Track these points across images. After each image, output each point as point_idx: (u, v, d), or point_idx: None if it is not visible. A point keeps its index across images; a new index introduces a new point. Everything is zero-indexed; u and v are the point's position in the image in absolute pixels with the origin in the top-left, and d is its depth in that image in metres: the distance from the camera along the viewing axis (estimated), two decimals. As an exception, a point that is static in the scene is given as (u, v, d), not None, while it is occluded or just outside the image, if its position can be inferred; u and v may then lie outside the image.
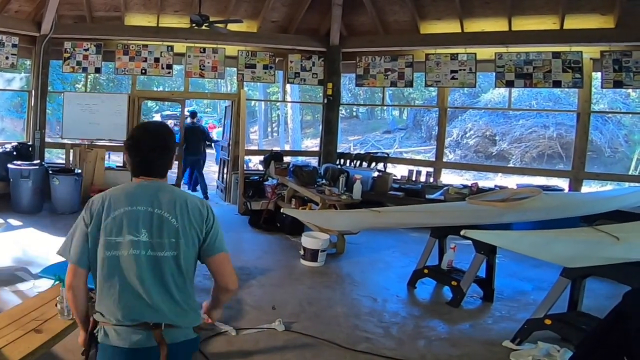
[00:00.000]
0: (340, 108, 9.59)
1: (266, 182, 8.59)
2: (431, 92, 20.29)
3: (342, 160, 9.39)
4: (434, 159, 9.54)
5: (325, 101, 9.24)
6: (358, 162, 9.31)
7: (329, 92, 9.14)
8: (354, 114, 26.76)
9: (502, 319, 4.62)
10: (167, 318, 1.84)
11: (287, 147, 21.47)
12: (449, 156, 16.76)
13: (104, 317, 1.86)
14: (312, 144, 24.04)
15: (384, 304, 4.87)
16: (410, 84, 8.91)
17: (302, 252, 5.93)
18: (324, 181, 7.31)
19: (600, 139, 14.44)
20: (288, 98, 18.47)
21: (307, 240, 5.87)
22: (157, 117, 19.95)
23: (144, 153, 1.95)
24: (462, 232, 3.51)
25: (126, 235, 1.84)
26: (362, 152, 10.17)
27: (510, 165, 14.73)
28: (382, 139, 21.15)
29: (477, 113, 16.50)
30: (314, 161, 10.39)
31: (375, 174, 8.77)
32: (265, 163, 8.93)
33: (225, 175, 9.77)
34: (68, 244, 1.92)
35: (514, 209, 4.51)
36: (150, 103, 30.93)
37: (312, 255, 5.83)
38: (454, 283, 4.85)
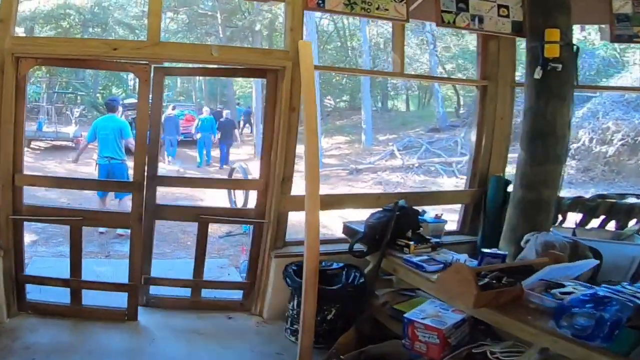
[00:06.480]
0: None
1: (411, 316, 2.75)
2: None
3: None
4: None
5: (540, 74, 3.39)
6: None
7: (552, 52, 3.32)
8: (379, 103, 20.39)
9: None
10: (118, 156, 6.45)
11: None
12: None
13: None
14: (329, 144, 17.93)
15: None
16: None
17: None
18: None
19: None
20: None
21: None
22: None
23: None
24: None
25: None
26: (603, 194, 4.29)
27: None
28: (434, 140, 15.26)
29: (616, 106, 10.60)
30: (435, 214, 4.61)
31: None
32: (369, 242, 3.24)
33: (261, 255, 3.88)
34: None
35: None
36: (115, 89, 23.23)
37: None
38: None
